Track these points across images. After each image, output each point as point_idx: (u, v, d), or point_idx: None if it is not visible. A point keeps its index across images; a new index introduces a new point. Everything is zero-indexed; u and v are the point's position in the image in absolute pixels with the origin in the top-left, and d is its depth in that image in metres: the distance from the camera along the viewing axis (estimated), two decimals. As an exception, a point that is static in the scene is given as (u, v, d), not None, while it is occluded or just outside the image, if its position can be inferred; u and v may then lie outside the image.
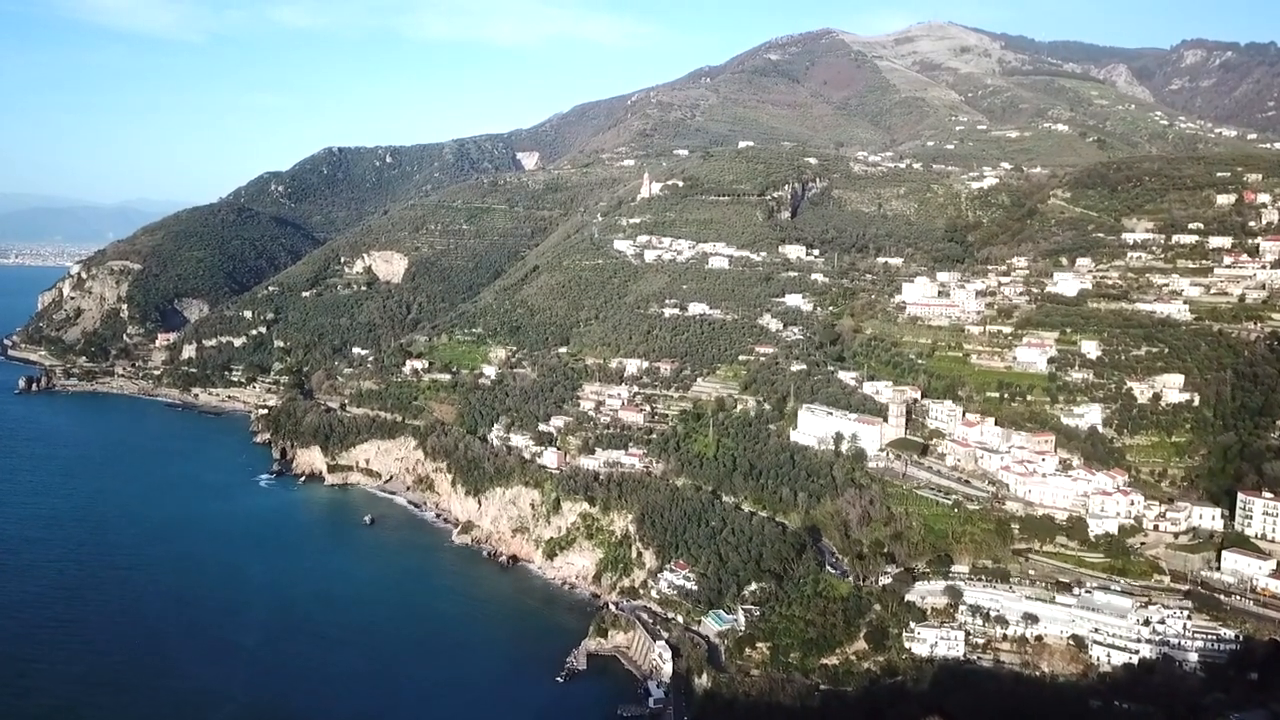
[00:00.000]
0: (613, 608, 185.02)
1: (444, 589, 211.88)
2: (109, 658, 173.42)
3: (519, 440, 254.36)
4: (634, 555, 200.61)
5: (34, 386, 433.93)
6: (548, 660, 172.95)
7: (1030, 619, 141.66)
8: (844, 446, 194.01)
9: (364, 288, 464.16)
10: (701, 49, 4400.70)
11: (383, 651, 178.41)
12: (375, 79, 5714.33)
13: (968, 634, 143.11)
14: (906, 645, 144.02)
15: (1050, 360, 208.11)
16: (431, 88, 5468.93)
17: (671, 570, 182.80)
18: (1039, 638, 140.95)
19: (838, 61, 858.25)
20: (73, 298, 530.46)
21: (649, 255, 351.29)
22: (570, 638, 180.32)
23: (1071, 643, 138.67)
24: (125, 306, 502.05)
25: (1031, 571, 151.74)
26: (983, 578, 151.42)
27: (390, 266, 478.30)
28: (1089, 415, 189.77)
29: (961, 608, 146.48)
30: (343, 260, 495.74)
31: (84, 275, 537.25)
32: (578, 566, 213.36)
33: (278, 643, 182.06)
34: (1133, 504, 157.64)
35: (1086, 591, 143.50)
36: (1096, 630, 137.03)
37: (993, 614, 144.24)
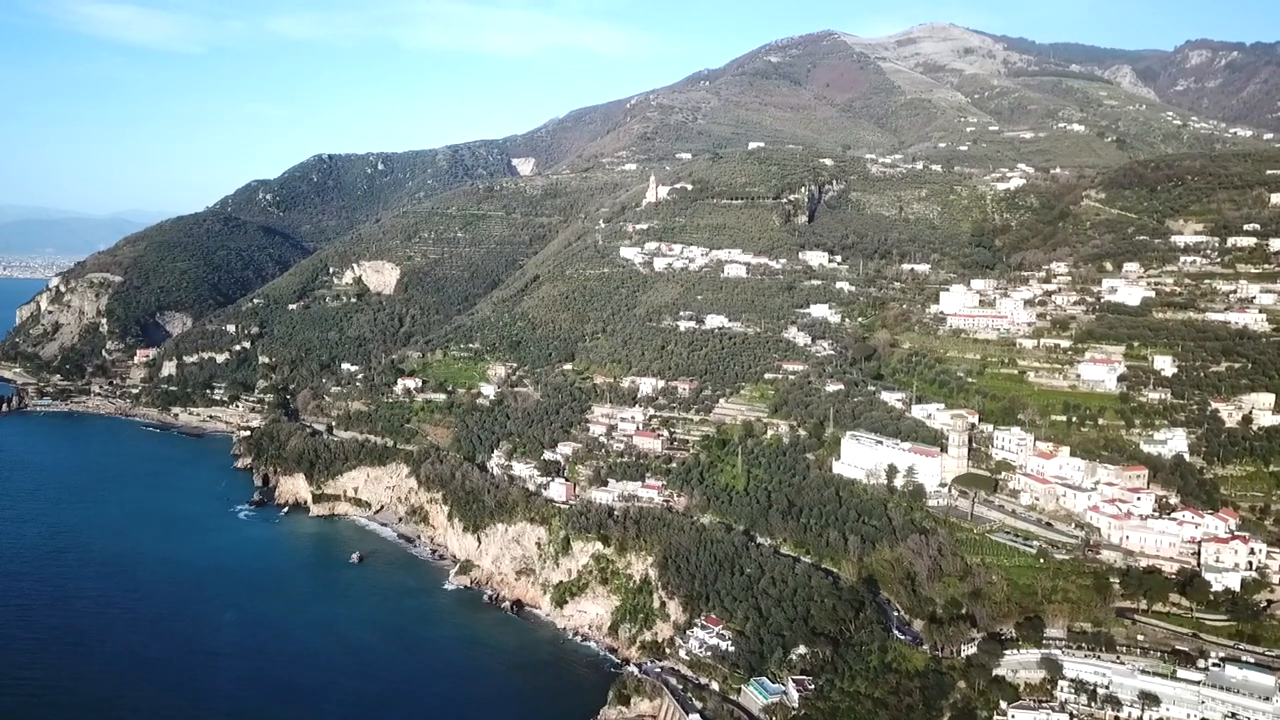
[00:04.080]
0: (635, 669, 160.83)
1: (440, 641, 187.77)
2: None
3: (522, 469, 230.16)
4: (656, 605, 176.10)
5: (4, 407, 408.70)
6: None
7: (1149, 699, 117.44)
8: (898, 481, 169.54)
9: (354, 299, 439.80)
10: (699, 55, 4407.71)
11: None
12: (372, 88, 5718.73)
13: (1071, 716, 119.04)
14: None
15: (1120, 378, 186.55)
16: (428, 97, 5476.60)
17: (703, 627, 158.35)
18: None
19: (840, 63, 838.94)
20: (50, 312, 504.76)
21: (659, 263, 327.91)
22: (585, 702, 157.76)
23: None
24: (104, 321, 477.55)
25: (1140, 637, 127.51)
26: (1083, 645, 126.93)
27: (381, 277, 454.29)
28: (1173, 442, 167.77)
29: (1062, 684, 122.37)
30: (331, 271, 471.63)
31: (62, 288, 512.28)
32: (591, 615, 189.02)
33: (248, 708, 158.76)
34: (1253, 552, 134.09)
35: (1215, 664, 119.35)
36: (1234, 715, 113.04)
37: (1100, 692, 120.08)
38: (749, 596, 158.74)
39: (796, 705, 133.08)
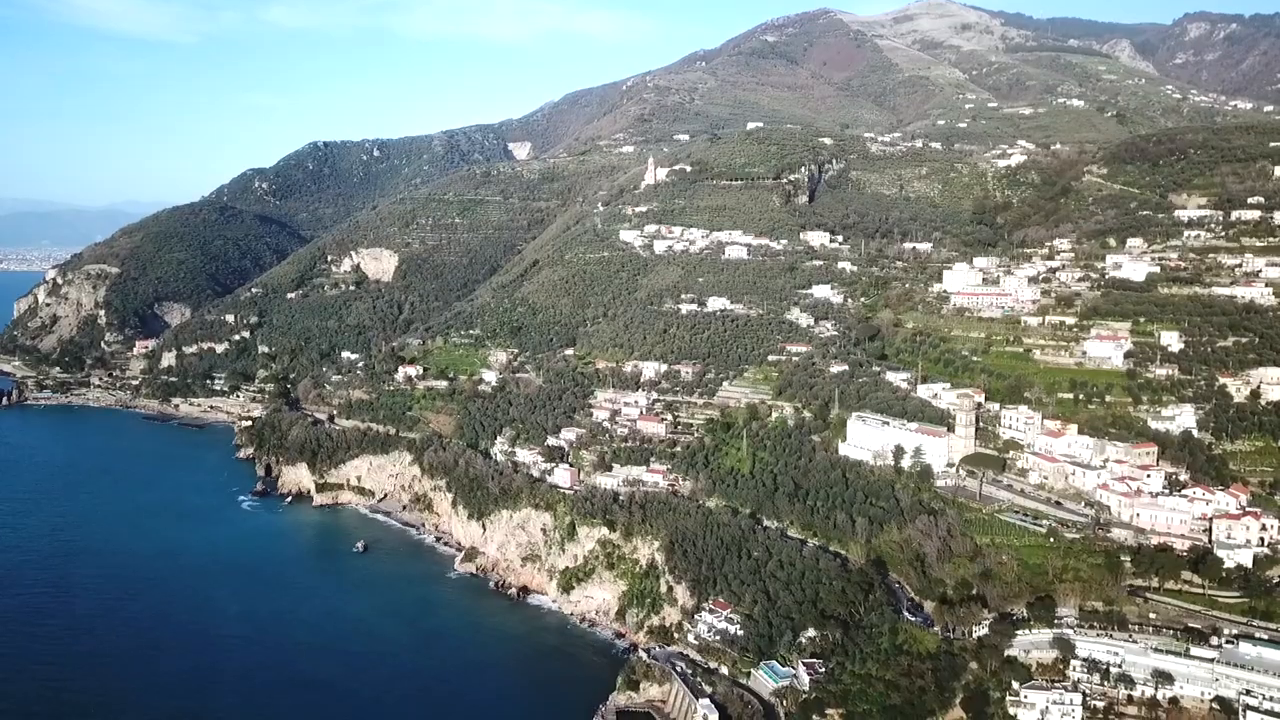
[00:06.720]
0: (643, 655, 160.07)
1: (446, 629, 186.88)
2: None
3: (526, 455, 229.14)
4: (663, 589, 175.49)
5: (4, 400, 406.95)
6: (570, 717, 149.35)
7: (1162, 677, 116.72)
8: (905, 462, 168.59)
9: (352, 287, 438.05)
10: (695, 37, 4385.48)
11: (376, 711, 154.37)
12: (367, 76, 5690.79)
13: (1085, 696, 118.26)
14: (1012, 712, 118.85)
15: (1127, 355, 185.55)
16: (423, 84, 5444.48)
17: (711, 611, 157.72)
18: (1174, 700, 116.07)
19: (837, 41, 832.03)
20: (48, 304, 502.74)
21: (659, 246, 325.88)
22: (594, 688, 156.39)
23: (1216, 707, 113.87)
24: (103, 312, 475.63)
25: (1153, 615, 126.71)
26: (1095, 624, 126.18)
27: (379, 264, 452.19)
28: (1180, 418, 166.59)
29: (1074, 663, 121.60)
30: (329, 259, 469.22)
31: (60, 280, 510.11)
32: (598, 601, 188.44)
33: (255, 698, 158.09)
34: (1264, 529, 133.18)
35: (1228, 642, 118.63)
36: (1249, 692, 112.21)
37: (1113, 670, 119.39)
38: (757, 580, 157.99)
39: (807, 688, 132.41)
